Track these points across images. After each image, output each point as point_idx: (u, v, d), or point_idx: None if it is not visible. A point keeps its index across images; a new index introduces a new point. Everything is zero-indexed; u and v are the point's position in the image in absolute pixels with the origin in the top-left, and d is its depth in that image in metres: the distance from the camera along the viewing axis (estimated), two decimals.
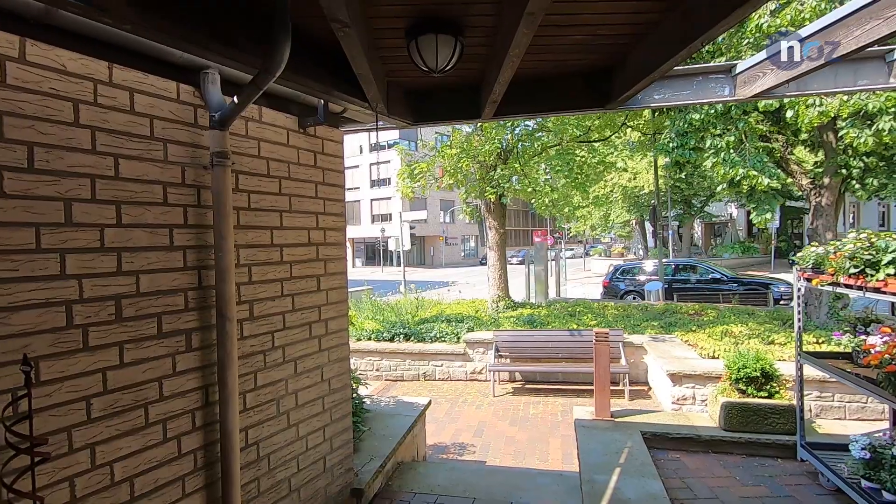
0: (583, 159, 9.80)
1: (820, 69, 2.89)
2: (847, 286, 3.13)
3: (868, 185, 8.04)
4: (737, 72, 3.17)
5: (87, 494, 1.93)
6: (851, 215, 37.64)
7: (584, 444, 4.06)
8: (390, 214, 41.51)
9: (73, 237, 1.90)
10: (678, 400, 6.16)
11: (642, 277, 15.34)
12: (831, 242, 3.48)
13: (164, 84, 2.26)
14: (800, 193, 9.10)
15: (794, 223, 36.53)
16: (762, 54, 3.00)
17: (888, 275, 2.73)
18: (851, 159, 7.50)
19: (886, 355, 2.80)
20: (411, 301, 12.37)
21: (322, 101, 2.95)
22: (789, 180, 8.67)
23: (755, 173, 6.41)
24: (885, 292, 2.79)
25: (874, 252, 2.89)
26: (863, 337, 3.26)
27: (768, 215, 7.53)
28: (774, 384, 4.40)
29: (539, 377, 8.24)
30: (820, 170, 8.45)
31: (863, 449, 3.10)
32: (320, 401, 3.17)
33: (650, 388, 7.65)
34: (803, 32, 2.83)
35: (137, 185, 2.13)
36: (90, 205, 1.96)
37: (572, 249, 46.87)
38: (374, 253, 43.29)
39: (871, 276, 2.86)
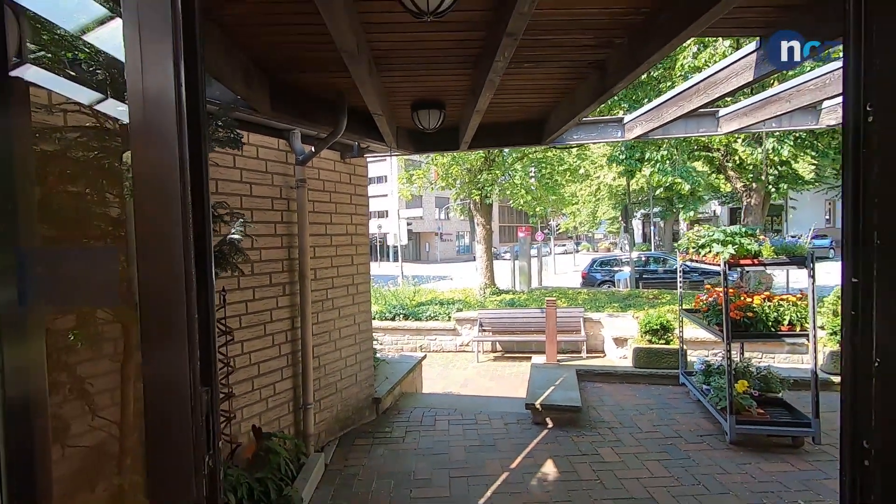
0: (552, 168, 11.55)
1: (675, 121, 4.57)
2: (694, 261, 4.83)
3: (780, 190, 9.78)
4: (624, 122, 4.85)
5: (241, 367, 3.61)
6: (827, 212, 39.98)
7: (534, 375, 5.77)
8: (387, 211, 42.94)
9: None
10: (620, 359, 7.87)
11: (616, 268, 17.09)
12: (687, 232, 5.18)
13: (271, 140, 3.92)
14: (738, 195, 10.84)
15: (773, 220, 38.64)
16: (637, 112, 4.68)
17: (705, 253, 4.40)
18: (769, 168, 9.24)
19: (703, 302, 4.53)
20: (409, 289, 14.05)
21: (357, 142, 4.63)
22: (726, 187, 10.42)
23: (680, 181, 8.12)
24: (706, 263, 4.48)
25: (701, 238, 4.57)
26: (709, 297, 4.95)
27: (691, 213, 9.27)
28: (670, 334, 6.12)
29: (516, 347, 9.93)
30: (751, 175, 10.19)
31: (701, 364, 4.80)
32: (353, 336, 4.86)
33: (605, 355, 9.35)
34: (661, 98, 4.49)
35: (259, 199, 3.80)
36: (239, 210, 3.63)
37: (564, 245, 48.62)
38: (371, 249, 44.78)
39: (700, 254, 4.55)
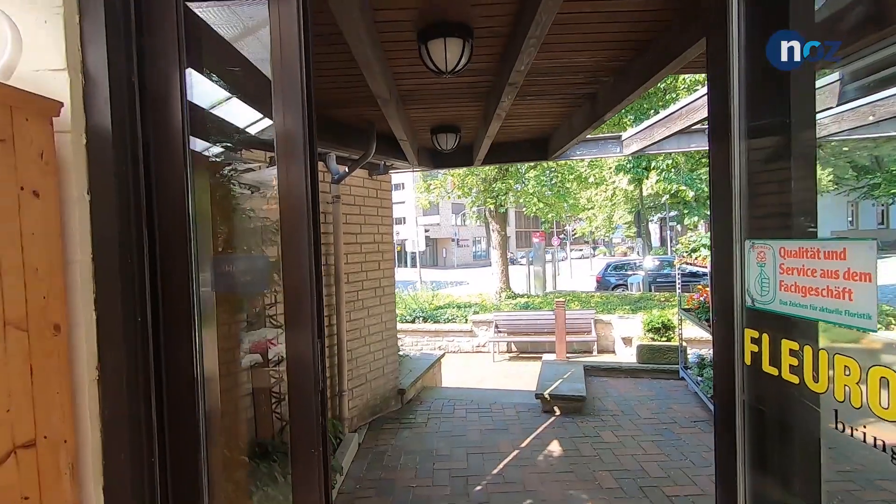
0: (563, 176, 12.08)
1: (669, 138, 5.08)
2: (688, 264, 5.30)
3: None
4: (622, 139, 5.38)
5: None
6: (850, 214, 39.46)
7: (544, 370, 6.29)
8: (404, 218, 43.75)
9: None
10: (629, 356, 8.31)
11: (630, 272, 17.43)
12: (680, 238, 5.66)
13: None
14: None
15: None
16: (633, 130, 5.21)
17: (695, 256, 4.89)
18: None
19: (695, 301, 5.01)
20: (428, 293, 14.66)
21: (383, 161, 5.25)
22: None
23: (684, 188, 8.57)
24: (696, 265, 4.95)
25: (692, 243, 5.06)
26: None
27: (695, 219, 9.68)
28: (671, 332, 6.58)
29: (530, 347, 10.43)
30: None
31: (696, 357, 5.27)
32: (381, 333, 5.45)
33: (616, 354, 9.79)
34: (652, 120, 5.01)
35: None
36: None
37: (581, 250, 48.73)
38: None
39: (692, 257, 5.03)
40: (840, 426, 0.98)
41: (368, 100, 3.31)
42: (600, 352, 9.69)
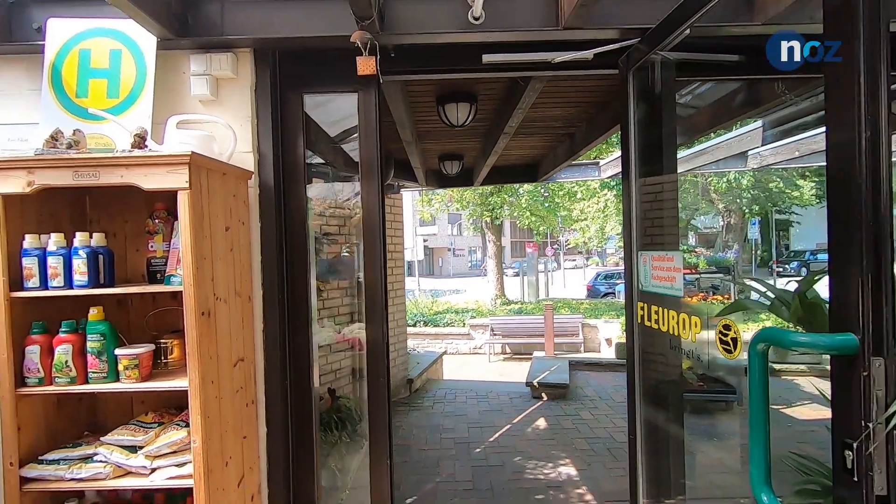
0: (553, 193, 13.07)
1: None
2: None
3: (752, 211, 11.16)
4: (600, 165, 6.33)
5: (319, 345, 5.11)
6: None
7: (534, 364, 7.17)
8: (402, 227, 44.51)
9: (351, 244, 5.10)
10: (609, 355, 9.20)
11: (618, 281, 18.38)
12: None
13: (340, 186, 5.47)
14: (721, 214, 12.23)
15: (780, 234, 39.48)
16: (608, 158, 6.16)
17: None
18: (743, 192, 10.63)
19: None
20: (427, 300, 15.53)
21: (396, 182, 6.17)
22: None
23: None
24: None
25: None
26: None
27: None
28: None
29: (523, 349, 11.26)
30: (729, 198, 11.57)
31: None
32: (393, 329, 6.32)
33: (601, 354, 10.67)
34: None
35: (333, 227, 5.33)
36: (335, 236, 5.16)
37: (574, 260, 49.69)
38: None
39: None
40: (673, 348, 1.89)
41: (393, 138, 4.24)
42: (586, 352, 10.56)
